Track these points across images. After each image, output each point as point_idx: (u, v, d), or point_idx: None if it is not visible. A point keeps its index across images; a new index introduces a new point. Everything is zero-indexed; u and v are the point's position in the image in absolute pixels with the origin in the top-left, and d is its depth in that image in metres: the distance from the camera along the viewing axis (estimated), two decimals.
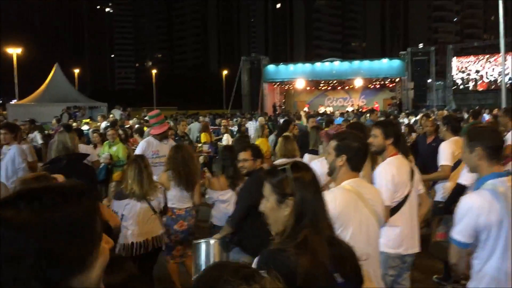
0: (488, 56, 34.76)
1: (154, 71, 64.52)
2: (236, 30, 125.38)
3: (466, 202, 2.60)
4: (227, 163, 4.97)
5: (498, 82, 32.83)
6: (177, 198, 5.10)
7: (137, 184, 4.51)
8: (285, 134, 7.24)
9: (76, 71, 53.68)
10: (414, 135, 8.73)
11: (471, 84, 35.49)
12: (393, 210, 3.48)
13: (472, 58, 35.57)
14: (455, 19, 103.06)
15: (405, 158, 3.81)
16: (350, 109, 30.35)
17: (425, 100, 32.30)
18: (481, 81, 35.15)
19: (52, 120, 16.83)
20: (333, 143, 2.86)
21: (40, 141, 8.99)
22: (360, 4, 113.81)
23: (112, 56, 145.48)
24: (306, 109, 30.68)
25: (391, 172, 3.51)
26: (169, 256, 5.17)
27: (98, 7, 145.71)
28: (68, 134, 5.29)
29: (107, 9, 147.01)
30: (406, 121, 14.88)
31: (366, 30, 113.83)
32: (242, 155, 4.39)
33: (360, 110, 29.64)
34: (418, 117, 15.49)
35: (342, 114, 19.87)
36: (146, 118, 15.70)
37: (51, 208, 0.89)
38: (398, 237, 3.54)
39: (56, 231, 0.87)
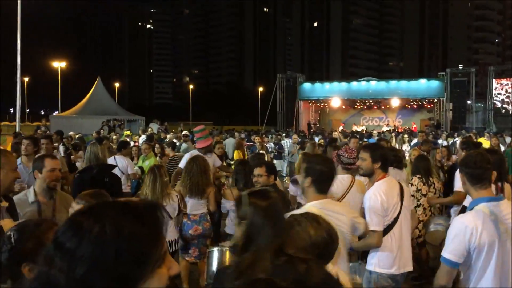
0: None
1: (191, 86, 65.68)
2: (273, 48, 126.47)
3: (459, 222, 2.69)
4: (239, 177, 5.31)
5: None
6: (192, 205, 5.51)
7: (150, 190, 5.00)
8: (305, 151, 7.50)
9: (117, 85, 55.22)
10: (454, 157, 8.55)
11: (510, 108, 34.46)
12: (384, 231, 3.57)
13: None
14: (497, 40, 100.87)
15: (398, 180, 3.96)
16: (385, 128, 29.95)
17: (464, 122, 31.64)
18: None
19: (92, 133, 17.40)
20: (303, 165, 3.11)
21: (62, 154, 9.26)
22: (398, 23, 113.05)
23: (151, 71, 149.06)
24: (341, 127, 30.51)
25: (380, 198, 3.56)
26: (185, 254, 5.51)
27: (139, 23, 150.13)
28: (99, 146, 5.87)
29: (147, 26, 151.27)
30: (445, 143, 14.56)
31: (404, 50, 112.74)
32: (257, 171, 4.73)
33: (396, 130, 29.27)
34: (456, 139, 15.16)
35: (379, 134, 19.67)
36: (184, 133, 16.01)
37: (112, 222, 0.91)
38: (390, 257, 3.62)
39: (111, 245, 0.89)
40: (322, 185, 3.00)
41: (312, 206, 2.88)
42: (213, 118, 59.92)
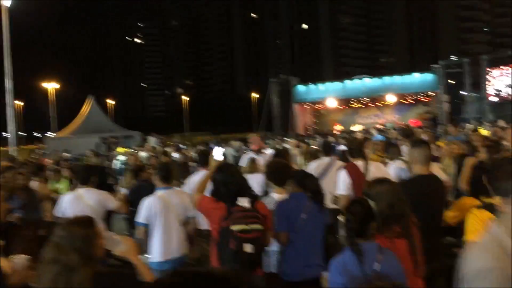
0: None
1: (184, 97, 65.45)
2: (264, 52, 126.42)
3: (144, 201, 4.87)
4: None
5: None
6: None
7: None
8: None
9: (110, 101, 54.94)
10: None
11: (506, 95, 34.11)
12: None
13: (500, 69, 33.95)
14: (485, 29, 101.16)
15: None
16: (379, 126, 29.31)
17: (460, 113, 31.44)
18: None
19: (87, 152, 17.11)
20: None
21: None
22: (386, 20, 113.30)
23: (143, 85, 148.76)
24: (338, 127, 30.26)
25: None
26: None
27: (128, 38, 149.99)
28: None
29: (136, 40, 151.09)
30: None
31: (393, 45, 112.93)
32: None
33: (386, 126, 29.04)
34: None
35: (380, 131, 19.25)
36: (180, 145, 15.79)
37: None
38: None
39: None
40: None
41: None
42: (209, 127, 59.59)
